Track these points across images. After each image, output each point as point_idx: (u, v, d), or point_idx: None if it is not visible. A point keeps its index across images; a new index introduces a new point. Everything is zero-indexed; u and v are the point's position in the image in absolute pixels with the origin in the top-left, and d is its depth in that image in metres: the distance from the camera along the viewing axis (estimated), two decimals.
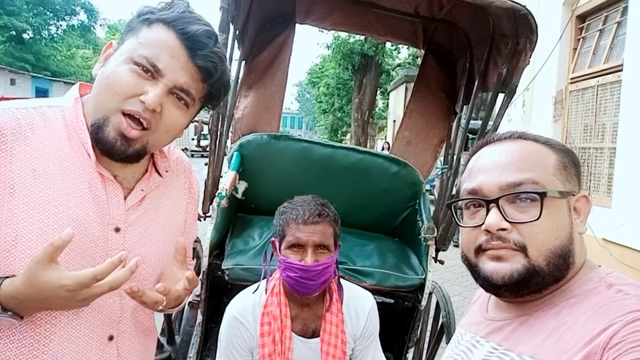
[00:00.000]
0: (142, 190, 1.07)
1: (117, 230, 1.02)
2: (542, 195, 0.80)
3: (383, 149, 15.72)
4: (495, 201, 0.83)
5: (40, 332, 0.93)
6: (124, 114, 0.93)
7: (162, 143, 1.04)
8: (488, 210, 0.84)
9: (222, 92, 1.07)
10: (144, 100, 0.92)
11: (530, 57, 1.90)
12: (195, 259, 2.70)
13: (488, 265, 0.84)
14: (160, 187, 1.12)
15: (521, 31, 1.84)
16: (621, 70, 5.15)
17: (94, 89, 0.98)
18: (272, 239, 1.61)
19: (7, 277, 0.86)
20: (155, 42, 0.94)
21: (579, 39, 6.19)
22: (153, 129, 0.96)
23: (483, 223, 0.84)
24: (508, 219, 0.82)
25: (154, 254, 1.09)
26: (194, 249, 2.61)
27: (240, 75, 2.63)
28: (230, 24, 2.05)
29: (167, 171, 1.14)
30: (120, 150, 0.95)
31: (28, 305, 0.86)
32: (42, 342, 0.94)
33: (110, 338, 1.04)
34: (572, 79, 6.23)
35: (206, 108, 1.17)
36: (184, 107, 1.00)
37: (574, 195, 0.85)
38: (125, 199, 1.04)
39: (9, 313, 0.85)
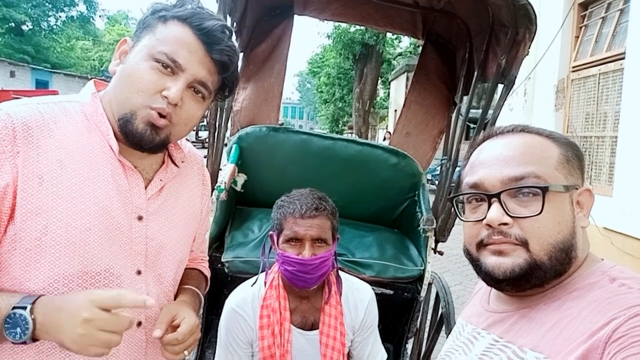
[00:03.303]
0: (160, 180, 1.11)
1: (140, 218, 1.05)
2: (544, 189, 0.79)
3: (385, 139, 15.67)
4: (497, 196, 0.82)
5: None
6: (151, 109, 0.97)
7: (182, 134, 1.08)
8: (490, 205, 0.83)
9: (234, 84, 1.13)
10: (167, 95, 0.96)
11: (529, 48, 1.89)
12: None
13: (490, 260, 0.84)
14: (177, 178, 1.16)
15: (520, 21, 1.83)
16: (623, 58, 5.11)
17: (114, 85, 1.01)
18: (270, 232, 1.61)
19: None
20: (173, 38, 0.98)
21: (581, 27, 6.14)
22: (175, 121, 1.00)
23: (484, 218, 0.83)
24: (510, 213, 0.81)
25: (174, 242, 1.14)
26: None
27: (239, 67, 2.62)
28: (228, 16, 2.03)
29: (182, 162, 1.18)
30: (149, 140, 0.99)
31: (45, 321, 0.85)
32: None
33: (139, 324, 1.07)
34: (573, 67, 6.19)
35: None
36: (201, 99, 1.04)
37: (576, 188, 0.84)
38: (145, 188, 1.07)
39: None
